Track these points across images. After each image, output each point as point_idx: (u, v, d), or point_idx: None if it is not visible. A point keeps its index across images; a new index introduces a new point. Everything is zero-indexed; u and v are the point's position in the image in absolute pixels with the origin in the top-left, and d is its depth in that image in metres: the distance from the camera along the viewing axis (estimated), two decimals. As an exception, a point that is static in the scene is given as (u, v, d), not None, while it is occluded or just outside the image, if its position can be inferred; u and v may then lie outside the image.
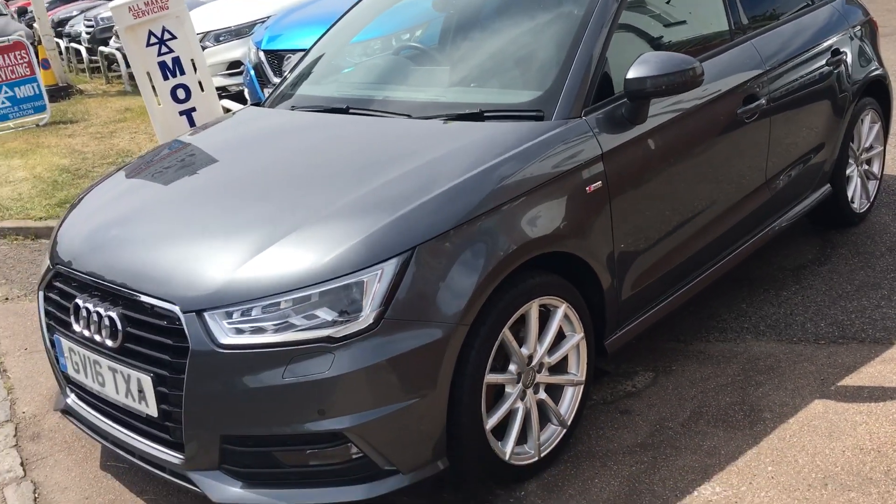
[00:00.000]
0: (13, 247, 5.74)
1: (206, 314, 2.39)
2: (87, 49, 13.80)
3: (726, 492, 2.66)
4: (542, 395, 2.79)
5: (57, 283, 2.87)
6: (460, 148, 2.79)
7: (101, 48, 12.75)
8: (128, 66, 11.47)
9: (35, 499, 2.98)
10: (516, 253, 2.57)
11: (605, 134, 2.92)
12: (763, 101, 3.57)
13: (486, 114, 2.97)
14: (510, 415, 2.70)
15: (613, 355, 3.11)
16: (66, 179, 6.94)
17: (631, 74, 2.92)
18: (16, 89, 9.43)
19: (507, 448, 2.68)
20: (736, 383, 3.26)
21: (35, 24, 16.72)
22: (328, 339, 2.33)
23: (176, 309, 2.43)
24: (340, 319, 2.34)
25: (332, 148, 3.09)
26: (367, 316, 2.34)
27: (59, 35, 15.00)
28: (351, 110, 3.29)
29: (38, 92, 9.54)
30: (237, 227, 2.66)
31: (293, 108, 3.56)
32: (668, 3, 3.64)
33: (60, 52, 12.95)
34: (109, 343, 2.58)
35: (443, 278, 2.44)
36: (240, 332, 2.37)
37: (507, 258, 2.54)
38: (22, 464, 3.20)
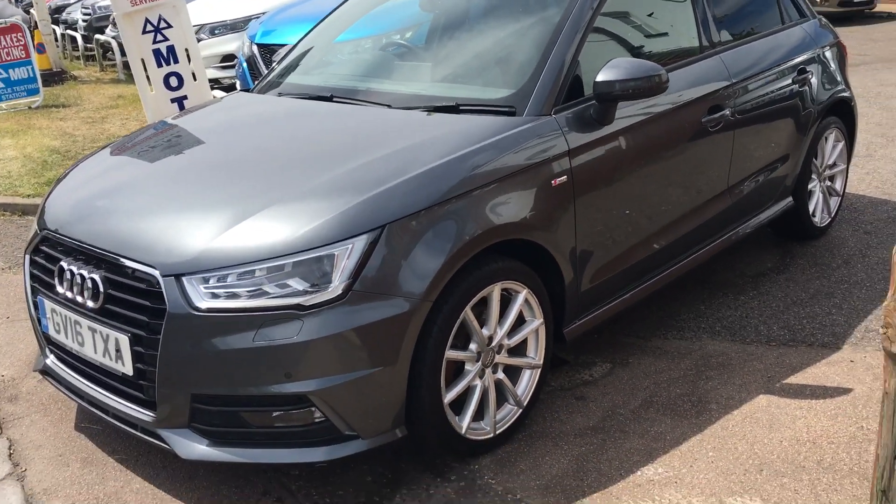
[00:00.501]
0: (1, 222, 5.85)
1: (184, 279, 2.53)
2: (83, 37, 13.90)
3: (668, 473, 2.82)
4: (501, 375, 2.94)
5: (43, 248, 3.01)
6: (435, 137, 2.95)
7: (98, 36, 12.85)
8: (123, 54, 11.61)
9: (10, 454, 3.10)
10: (481, 237, 2.73)
11: (572, 132, 3.09)
12: (728, 112, 3.75)
13: (461, 107, 3.13)
14: (468, 391, 2.85)
15: (572, 343, 3.27)
16: (56, 160, 7.05)
17: (600, 77, 3.09)
18: (10, 71, 9.54)
19: (464, 423, 2.83)
20: (687, 377, 3.43)
21: (32, 9, 16.83)
22: (298, 306, 2.47)
23: (156, 273, 2.57)
24: (311, 289, 2.49)
25: (314, 132, 3.25)
26: (336, 287, 2.49)
27: (56, 22, 15.09)
28: (335, 99, 3.45)
29: (32, 75, 9.65)
30: (217, 201, 2.80)
31: (280, 94, 3.72)
32: (642, 15, 3.83)
33: (56, 39, 13.04)
34: (90, 304, 2.71)
35: (410, 256, 2.59)
36: (215, 296, 2.52)
37: (472, 241, 2.70)
38: (-1, 422, 3.32)
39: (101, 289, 2.69)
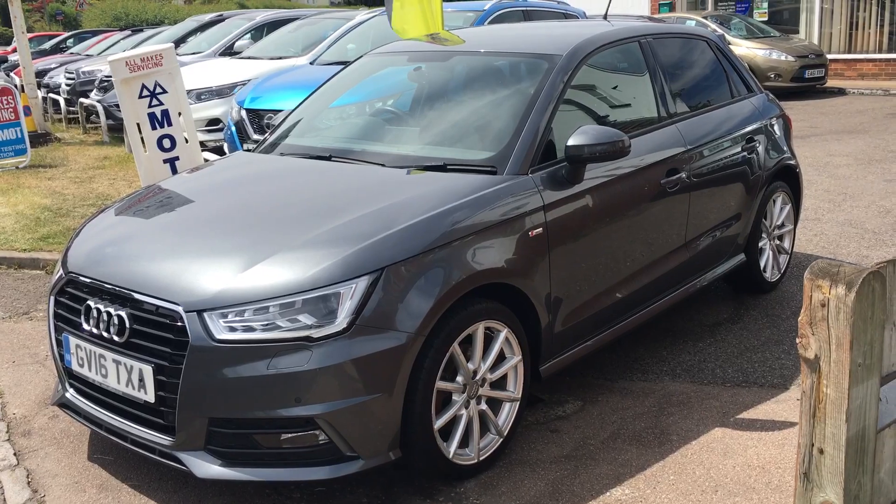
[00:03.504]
0: (-3, 274, 6.10)
1: (205, 314, 2.85)
2: (66, 100, 14.25)
3: (634, 494, 3.14)
4: (484, 406, 3.27)
5: (68, 289, 3.31)
6: (426, 192, 3.33)
7: (82, 100, 13.21)
8: (108, 118, 11.97)
9: (28, 482, 3.34)
10: (468, 280, 3.09)
11: (547, 190, 3.49)
12: (684, 174, 4.19)
13: (448, 166, 3.53)
14: (455, 420, 3.17)
15: (547, 380, 3.61)
16: (49, 217, 7.33)
17: (571, 142, 3.51)
18: (-1, 132, 9.84)
19: (452, 448, 3.14)
20: (651, 413, 3.77)
21: (12, 73, 17.18)
22: (307, 338, 2.80)
23: (179, 309, 2.89)
24: (318, 324, 2.82)
25: (317, 187, 3.61)
26: (341, 321, 2.83)
27: (38, 86, 15.44)
28: (333, 158, 3.83)
29: (20, 136, 9.96)
30: (232, 247, 3.14)
31: (282, 154, 4.09)
32: (608, 88, 4.29)
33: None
34: (116, 339, 3.02)
35: (406, 295, 2.94)
36: (233, 329, 2.84)
37: (459, 283, 3.05)
38: (15, 454, 3.55)
39: (127, 324, 2.99)
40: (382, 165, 3.68)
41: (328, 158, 3.86)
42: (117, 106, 11.72)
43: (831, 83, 16.29)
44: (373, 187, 3.50)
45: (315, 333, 2.81)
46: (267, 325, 2.83)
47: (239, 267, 2.97)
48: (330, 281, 2.87)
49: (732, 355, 4.37)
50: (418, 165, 3.61)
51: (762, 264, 5.06)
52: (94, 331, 3.10)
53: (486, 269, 3.18)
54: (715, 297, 5.15)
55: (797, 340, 1.72)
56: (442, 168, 3.55)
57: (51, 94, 15.13)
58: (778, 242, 5.23)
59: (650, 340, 4.53)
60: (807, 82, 15.52)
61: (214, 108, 9.74)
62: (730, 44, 5.22)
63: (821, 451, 1.75)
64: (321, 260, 2.93)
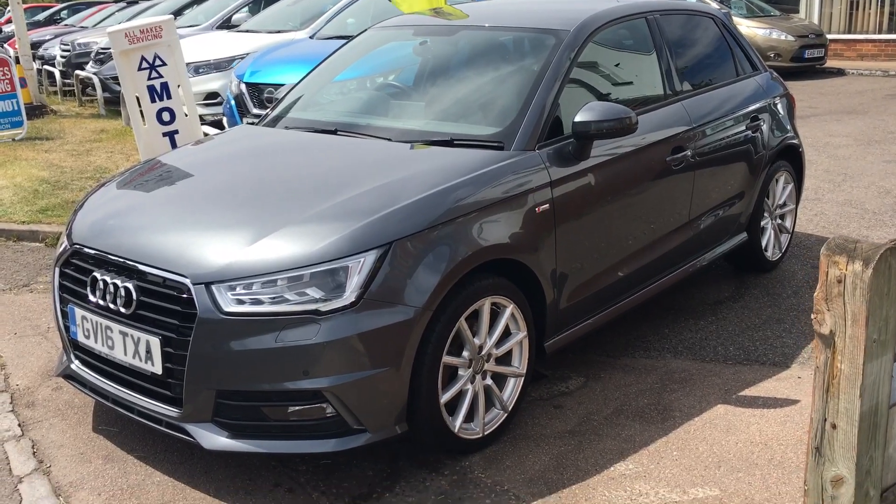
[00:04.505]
0: (-4, 247, 6.08)
1: (213, 286, 2.85)
2: (62, 72, 14.13)
3: (638, 468, 3.16)
4: (489, 381, 3.28)
5: (74, 260, 3.30)
6: (433, 167, 3.32)
7: (78, 72, 13.10)
8: (104, 90, 11.88)
9: (34, 452, 3.35)
10: (475, 255, 3.09)
11: (554, 166, 3.48)
12: (689, 152, 4.19)
13: (455, 141, 3.52)
14: (461, 394, 3.18)
15: (551, 356, 3.62)
16: (47, 189, 7.29)
17: (578, 118, 3.50)
18: (-5, 104, 9.76)
19: (457, 422, 3.15)
20: (653, 389, 3.79)
21: (6, 45, 17.01)
22: (316, 312, 2.80)
23: (187, 281, 2.88)
24: (326, 297, 2.82)
25: (323, 161, 3.60)
26: (350, 295, 2.83)
27: (33, 57, 15.30)
28: (339, 132, 3.81)
29: (16, 108, 9.88)
30: (238, 220, 3.13)
31: (287, 128, 4.07)
32: (614, 65, 4.27)
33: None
34: (123, 310, 3.01)
35: (414, 270, 2.94)
36: (241, 302, 2.83)
37: (467, 258, 3.05)
38: (20, 425, 3.56)
39: (134, 296, 2.99)
40: (389, 140, 3.66)
41: (334, 132, 3.85)
42: (114, 78, 11.65)
43: (831, 63, 16.25)
44: (380, 162, 3.49)
45: (323, 307, 2.81)
46: (275, 298, 2.83)
47: (246, 240, 2.96)
48: (338, 255, 2.86)
49: (734, 333, 4.39)
50: (425, 140, 3.60)
51: (763, 243, 5.07)
52: (101, 302, 3.10)
53: (492, 244, 3.18)
54: (716, 275, 5.16)
55: (812, 316, 1.73)
56: (449, 143, 3.53)
57: (45, 67, 15.00)
58: (779, 222, 5.24)
59: (652, 318, 4.55)
60: (806, 62, 15.48)
61: (212, 82, 9.67)
62: (732, 22, 5.27)
63: (833, 427, 1.76)
64: (329, 234, 2.93)
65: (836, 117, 10.82)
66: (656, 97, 4.23)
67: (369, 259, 2.87)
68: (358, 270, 2.85)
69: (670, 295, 4.67)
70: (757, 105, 4.86)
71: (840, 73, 15.86)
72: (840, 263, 1.68)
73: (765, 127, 4.86)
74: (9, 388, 3.89)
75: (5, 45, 17.31)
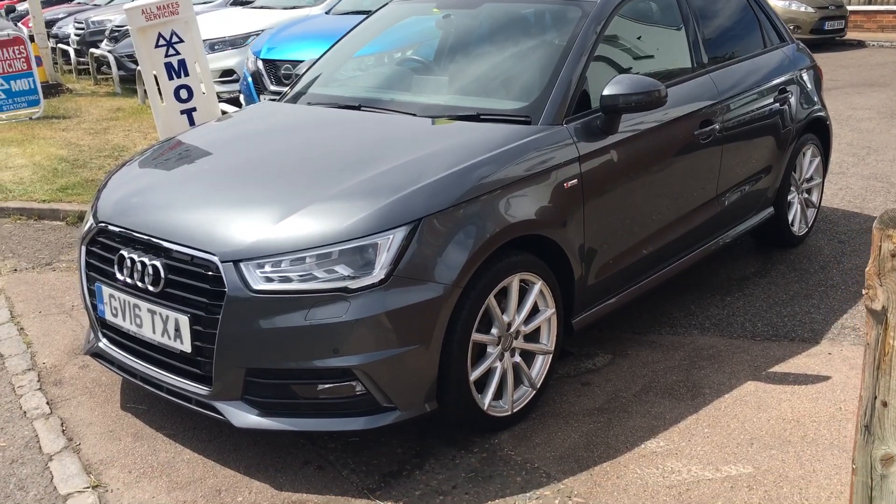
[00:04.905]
0: (17, 226, 6.08)
1: (241, 264, 2.83)
2: (76, 51, 14.11)
3: (668, 446, 3.14)
4: (518, 358, 3.25)
5: (100, 239, 3.28)
6: (460, 142, 3.28)
7: (92, 50, 13.07)
8: (119, 68, 11.85)
9: (63, 430, 3.36)
10: (504, 231, 3.05)
11: (582, 140, 3.43)
12: (717, 126, 4.12)
13: (481, 116, 3.47)
14: (490, 372, 3.16)
15: (578, 333, 3.59)
16: (66, 168, 7.29)
17: (606, 91, 3.44)
18: (12, 83, 9.75)
19: (486, 400, 3.13)
20: (682, 366, 3.76)
21: (19, 23, 16.98)
22: (345, 289, 2.78)
23: (215, 259, 2.86)
24: (355, 274, 2.79)
25: (348, 137, 3.56)
26: (379, 272, 2.80)
27: (47, 36, 15.28)
28: (363, 108, 3.77)
29: (33, 87, 9.88)
30: (265, 197, 3.10)
31: (309, 104, 4.03)
32: (641, 37, 4.19)
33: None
34: (151, 288, 2.99)
35: (443, 246, 2.91)
36: (269, 280, 2.81)
37: (496, 235, 3.02)
38: (48, 403, 3.57)
39: (163, 274, 2.97)
40: (413, 115, 3.62)
41: (357, 108, 3.80)
42: (129, 56, 11.63)
43: (851, 35, 16.01)
44: (405, 137, 3.45)
45: (352, 284, 2.78)
46: (304, 275, 2.81)
47: (274, 217, 2.93)
48: (367, 232, 2.83)
49: (761, 309, 4.34)
50: (450, 115, 3.55)
51: (790, 218, 5.00)
52: (129, 280, 3.08)
53: (521, 220, 3.14)
54: (741, 251, 5.10)
55: (864, 291, 1.68)
56: (475, 118, 3.48)
57: (60, 45, 14.98)
58: (806, 196, 5.17)
59: (677, 294, 4.50)
60: (826, 34, 15.24)
61: (228, 59, 9.62)
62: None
63: (884, 404, 1.72)
64: (357, 211, 2.90)
65: (858, 90, 10.67)
66: (684, 69, 4.16)
67: (398, 236, 2.84)
68: (387, 247, 2.82)
69: (695, 271, 4.62)
70: (785, 77, 4.78)
71: (860, 45, 15.62)
72: (894, 237, 1.63)
73: (793, 99, 4.78)
74: (36, 367, 3.90)
75: (19, 24, 17.31)
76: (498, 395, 3.21)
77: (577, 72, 3.56)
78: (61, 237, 5.80)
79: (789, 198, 4.96)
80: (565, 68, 3.55)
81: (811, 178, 5.17)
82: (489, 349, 3.14)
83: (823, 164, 5.28)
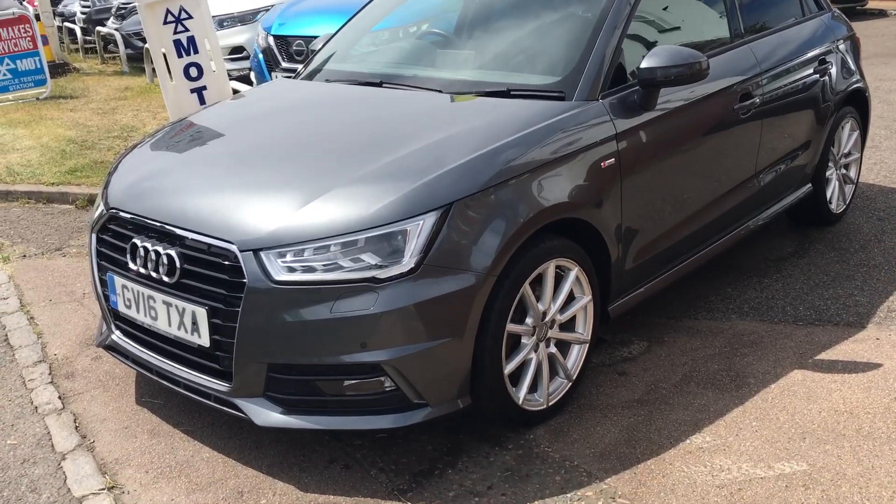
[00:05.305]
0: (26, 210, 5.92)
1: (262, 253, 2.64)
2: (82, 29, 13.89)
3: (715, 441, 2.96)
4: (553, 349, 3.07)
5: (111, 226, 3.10)
6: (491, 120, 3.07)
7: (99, 28, 12.86)
8: (126, 47, 11.64)
9: (76, 427, 3.20)
10: (540, 214, 2.86)
11: (618, 117, 3.22)
12: (757, 99, 3.90)
13: (512, 91, 3.26)
14: (524, 364, 2.98)
15: (615, 320, 3.40)
16: (74, 150, 7.11)
17: (644, 64, 3.23)
18: (18, 62, 9.57)
19: (521, 393, 2.96)
20: (723, 354, 3.57)
21: (24, 2, 16.76)
22: (373, 279, 2.59)
23: (234, 248, 2.68)
24: (383, 263, 2.61)
25: (371, 116, 3.36)
26: (409, 261, 2.61)
27: (52, 14, 15.05)
28: (384, 84, 3.56)
29: (39, 66, 9.69)
30: (286, 181, 2.91)
31: (328, 80, 3.83)
32: (678, 5, 3.96)
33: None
34: (166, 279, 2.82)
35: (476, 232, 2.71)
36: (292, 270, 2.63)
37: (532, 218, 2.82)
38: (60, 397, 3.41)
39: (178, 264, 2.79)
40: (439, 91, 3.41)
41: (379, 85, 3.60)
42: (136, 34, 11.42)
43: (872, 5, 15.62)
44: (432, 115, 3.25)
45: (381, 274, 2.59)
46: (328, 265, 2.62)
47: (295, 203, 2.75)
48: (395, 217, 2.64)
49: (802, 292, 4.14)
50: (479, 91, 3.34)
51: (828, 195, 4.78)
52: (142, 271, 2.90)
53: (558, 203, 2.94)
54: (776, 230, 4.89)
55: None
56: (505, 94, 3.28)
57: (66, 23, 14.76)
58: (844, 172, 4.94)
59: (712, 277, 4.30)
60: (847, 4, 14.85)
61: (238, 36, 9.42)
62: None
63: None
64: (384, 195, 2.70)
65: (884, 60, 10.37)
66: (722, 40, 3.93)
67: (428, 221, 2.65)
68: (417, 234, 2.63)
69: (729, 252, 4.40)
70: (824, 47, 4.54)
71: (882, 14, 15.25)
72: None
73: (833, 70, 4.54)
74: (47, 359, 3.75)
75: (24, 3, 17.07)
76: (532, 387, 3.03)
77: (612, 43, 3.34)
78: (71, 221, 5.64)
79: (827, 174, 4.74)
80: (600, 39, 3.33)
81: (849, 153, 4.95)
82: (523, 340, 2.96)
83: (862, 137, 5.05)
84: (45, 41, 11.42)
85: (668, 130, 3.42)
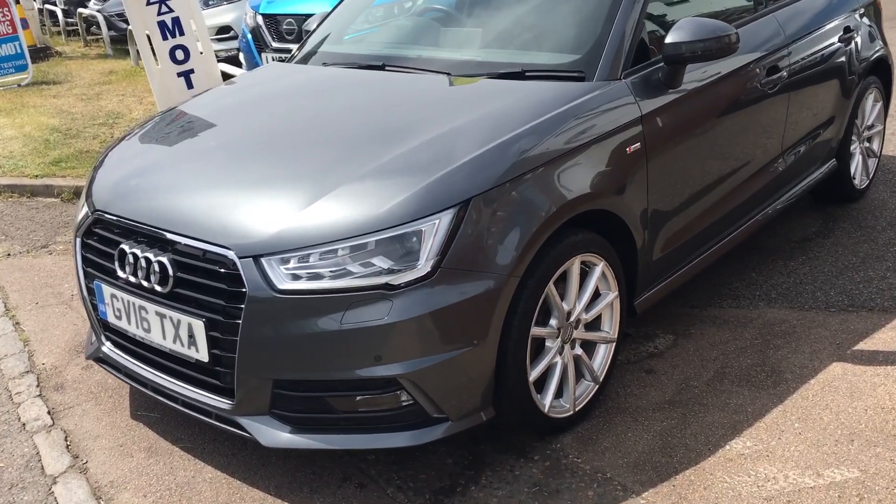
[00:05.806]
0: (9, 204, 5.66)
1: (262, 259, 2.40)
2: (64, 11, 13.51)
3: (757, 446, 2.75)
4: (578, 350, 2.85)
5: (97, 230, 2.85)
6: (508, 106, 2.82)
7: (80, 10, 12.49)
8: (109, 29, 11.29)
9: (68, 446, 2.98)
10: (566, 207, 2.62)
11: (643, 97, 2.98)
12: (784, 73, 3.65)
13: (527, 72, 3.01)
14: (549, 369, 2.76)
15: (642, 315, 3.18)
16: (58, 139, 6.83)
17: (669, 39, 2.98)
18: (-3, 47, 9.24)
19: (547, 400, 2.74)
20: (755, 346, 3.35)
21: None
22: (386, 286, 2.36)
23: (231, 254, 2.44)
24: (397, 268, 2.37)
25: (375, 102, 3.10)
26: (425, 264, 2.37)
27: (33, -4, 14.64)
28: (387, 67, 3.30)
29: (19, 51, 9.35)
30: (286, 177, 2.66)
31: (325, 64, 3.56)
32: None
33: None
34: (159, 289, 2.58)
35: (496, 230, 2.48)
36: (297, 278, 2.39)
37: (557, 211, 2.59)
38: (49, 412, 3.18)
39: (171, 272, 2.55)
40: (447, 74, 3.16)
41: (381, 68, 3.33)
42: (119, 15, 11.07)
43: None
44: (442, 100, 3.00)
45: (395, 280, 2.36)
46: (337, 271, 2.38)
47: (298, 202, 2.50)
48: (408, 217, 2.40)
49: (831, 275, 3.92)
50: (490, 73, 3.08)
51: (851, 170, 4.56)
52: (132, 279, 2.66)
53: (583, 194, 2.70)
54: (797, 209, 4.66)
55: None
56: (519, 75, 3.02)
57: (47, 6, 14.36)
58: (867, 145, 4.71)
59: (734, 261, 4.08)
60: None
61: (224, 15, 9.10)
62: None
63: None
64: (395, 192, 2.46)
65: (890, 23, 10.08)
66: (745, 8, 3.68)
67: (444, 220, 2.41)
68: (433, 234, 2.39)
69: (754, 233, 4.19)
70: (848, 13, 4.29)
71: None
72: None
73: (858, 38, 4.30)
74: (34, 369, 3.51)
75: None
76: (557, 392, 2.81)
77: (633, 15, 3.09)
78: (56, 215, 5.38)
79: (851, 148, 4.51)
80: (621, 11, 3.07)
81: (872, 126, 4.72)
82: (548, 343, 2.74)
83: (885, 108, 4.82)
84: (26, 25, 11.06)
85: (695, 110, 3.18)
